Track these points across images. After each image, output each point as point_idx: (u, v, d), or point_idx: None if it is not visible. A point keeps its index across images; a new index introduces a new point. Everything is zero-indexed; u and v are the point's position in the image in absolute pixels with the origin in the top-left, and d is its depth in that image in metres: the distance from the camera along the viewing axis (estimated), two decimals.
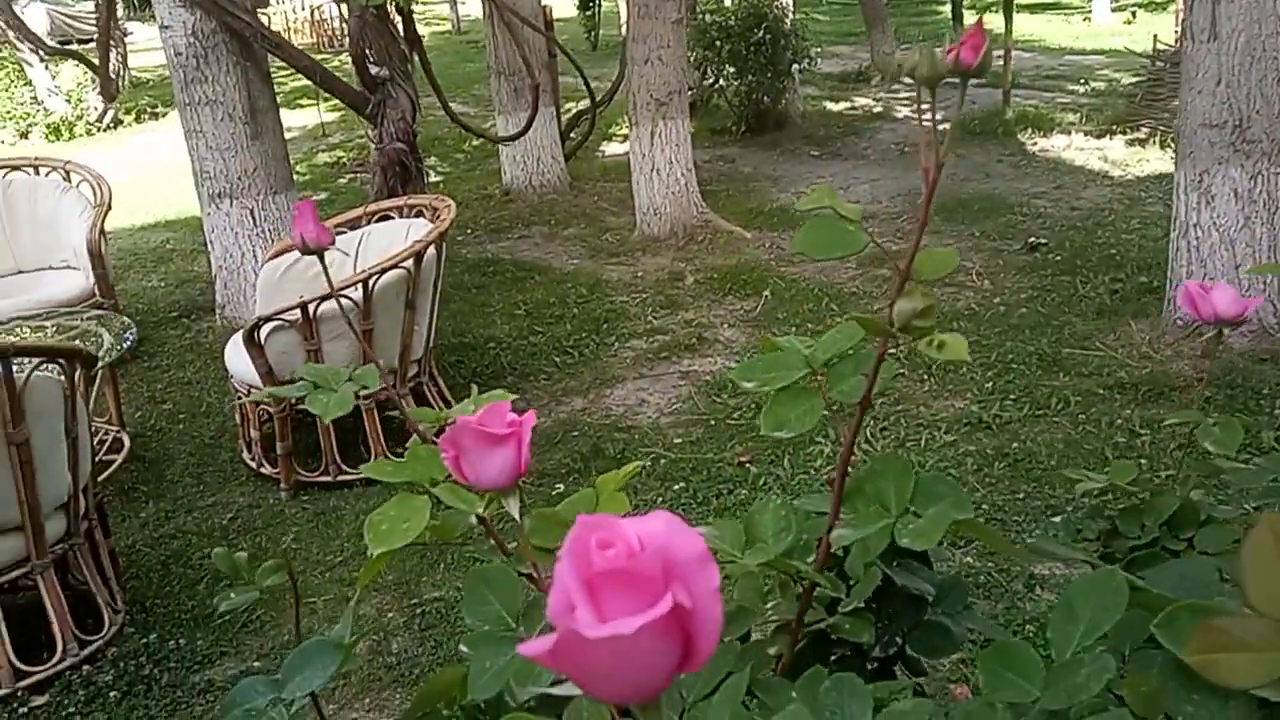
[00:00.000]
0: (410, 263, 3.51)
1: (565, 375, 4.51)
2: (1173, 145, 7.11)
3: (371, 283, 3.43)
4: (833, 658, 1.11)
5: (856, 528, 0.88)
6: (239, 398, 3.84)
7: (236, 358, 3.74)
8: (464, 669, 1.03)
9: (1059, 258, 5.39)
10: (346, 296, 3.44)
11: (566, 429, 4.02)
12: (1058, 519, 2.69)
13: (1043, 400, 3.86)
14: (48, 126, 11.10)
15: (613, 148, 8.63)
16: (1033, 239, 5.63)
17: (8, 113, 11.52)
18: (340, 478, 3.64)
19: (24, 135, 11.12)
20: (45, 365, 2.68)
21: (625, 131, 7.17)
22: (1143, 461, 3.33)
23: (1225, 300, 1.43)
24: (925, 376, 4.13)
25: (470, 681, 0.91)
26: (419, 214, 4.03)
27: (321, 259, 1.06)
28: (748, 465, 3.65)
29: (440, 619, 2.87)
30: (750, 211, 6.51)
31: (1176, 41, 8.88)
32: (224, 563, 0.96)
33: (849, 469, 0.93)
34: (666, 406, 4.19)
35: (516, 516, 0.89)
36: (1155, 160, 7.19)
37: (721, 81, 8.46)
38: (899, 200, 6.57)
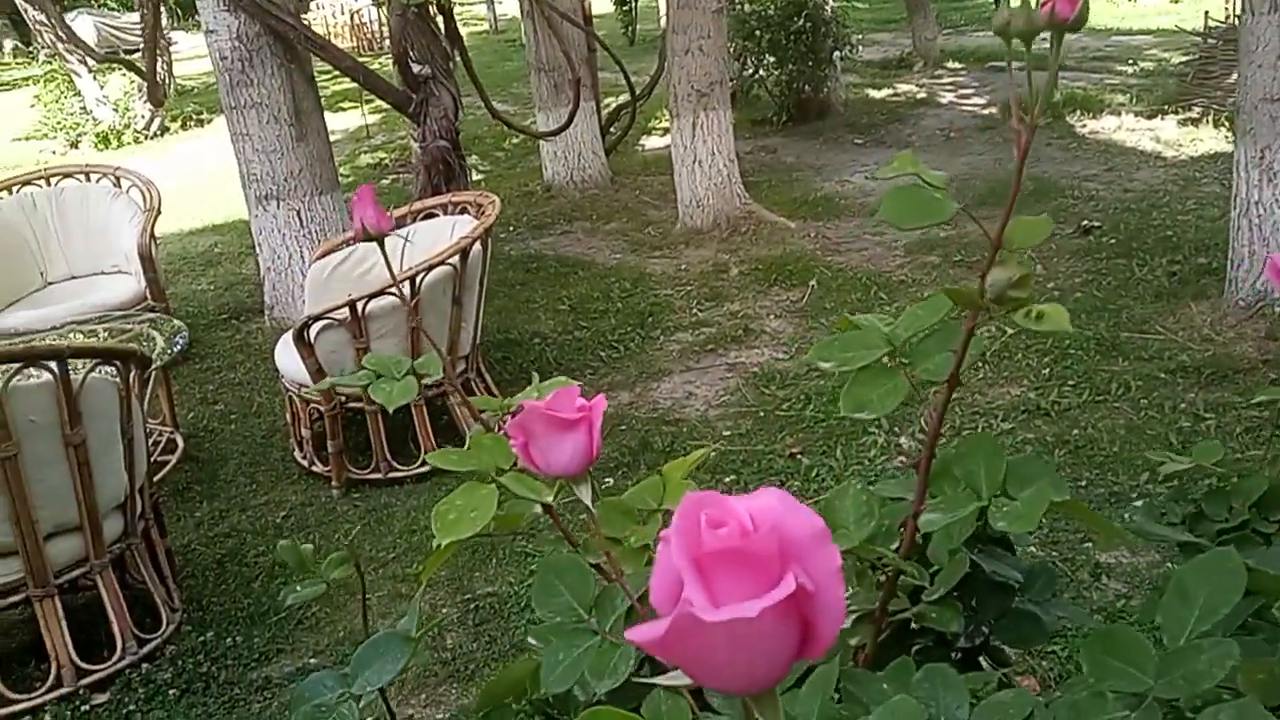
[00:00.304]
0: (456, 259, 3.50)
1: (611, 369, 4.49)
2: (1227, 124, 6.93)
3: (419, 279, 3.42)
4: (914, 649, 1.06)
5: (946, 511, 0.84)
6: (290, 396, 3.85)
7: (286, 357, 3.75)
8: (533, 662, 1.01)
9: (1113, 241, 5.26)
10: (394, 293, 3.44)
11: (614, 423, 3.99)
12: (1139, 503, 2.61)
13: (1102, 386, 3.77)
14: (97, 135, 11.28)
15: (653, 141, 8.60)
16: (1086, 222, 5.50)
17: (58, 123, 11.73)
18: (391, 475, 3.64)
19: (74, 145, 11.31)
20: (101, 367, 2.70)
21: (665, 125, 7.13)
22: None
23: None
24: (980, 364, 4.05)
25: (543, 675, 0.88)
26: (463, 211, 4.02)
27: (382, 246, 1.04)
28: (799, 456, 3.60)
29: (494, 614, 2.86)
30: (794, 201, 6.45)
31: (1229, 18, 8.67)
32: (290, 555, 0.94)
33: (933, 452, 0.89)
34: (714, 399, 4.15)
35: (589, 504, 0.86)
36: (1209, 140, 7.01)
37: (762, 71, 8.38)
38: (948, 185, 6.46)
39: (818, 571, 0.43)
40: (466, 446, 1.03)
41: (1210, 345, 3.98)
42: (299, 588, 0.96)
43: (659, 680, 0.49)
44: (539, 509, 1.05)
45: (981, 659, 1.08)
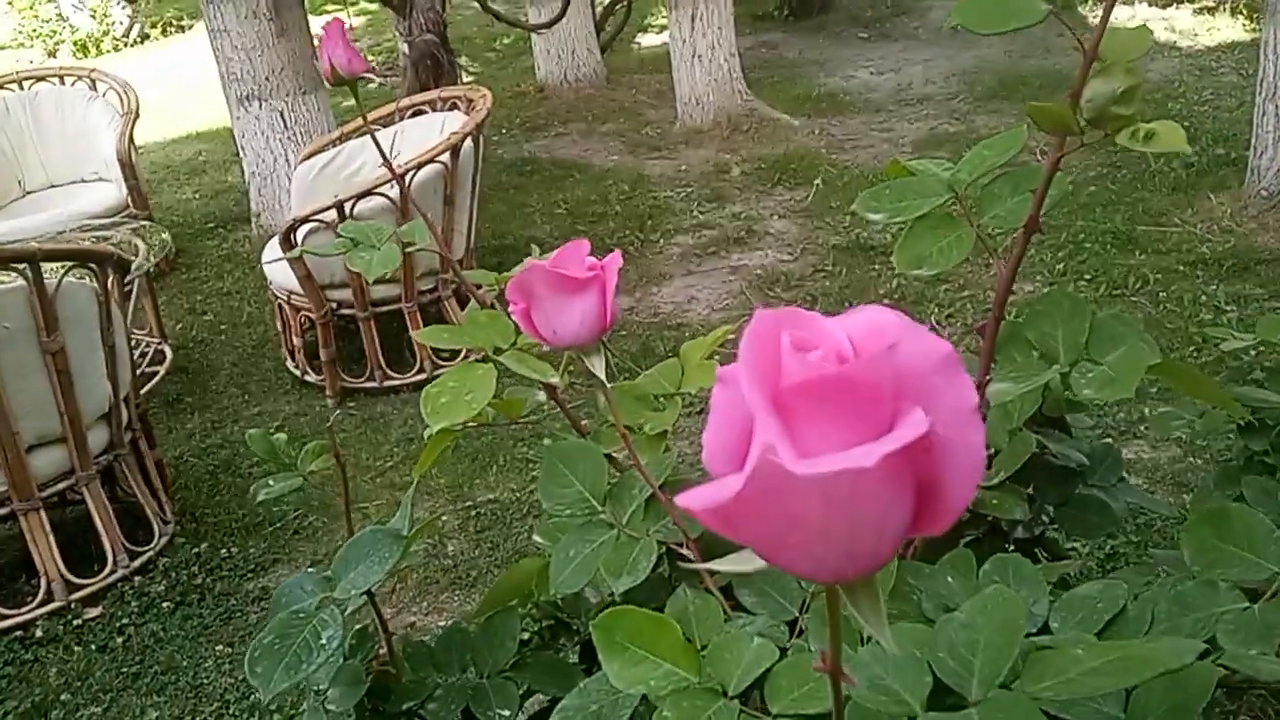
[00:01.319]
0: (447, 157, 3.33)
1: None
2: (1245, 12, 6.66)
3: (409, 178, 3.26)
4: (963, 540, 0.96)
5: (1019, 380, 0.72)
6: (280, 304, 3.72)
7: (274, 264, 3.61)
8: (540, 560, 0.90)
9: (1066, 181, 5.08)
10: (383, 194, 3.28)
11: (614, 329, 3.87)
12: (1159, 401, 2.50)
13: (1119, 280, 3.64)
14: (75, 43, 10.91)
15: (649, 39, 8.30)
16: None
17: (34, 31, 11.33)
18: (386, 383, 3.53)
19: (52, 54, 10.94)
20: (76, 271, 2.57)
21: (661, 21, 6.86)
22: None
23: None
24: (991, 260, 3.91)
25: (553, 574, 0.77)
26: (453, 107, 3.84)
27: (355, 92, 0.90)
28: None
29: (495, 521, 2.78)
30: (797, 98, 6.22)
31: None
32: (260, 445, 0.83)
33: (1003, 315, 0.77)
34: (717, 303, 4.03)
35: (602, 376, 0.73)
36: (1226, 29, 6.76)
37: None
38: (954, 80, 6.23)
39: (946, 412, 0.30)
40: (465, 321, 0.90)
41: (1230, 237, 3.84)
42: (272, 481, 0.84)
43: (716, 565, 0.37)
44: (542, 396, 0.93)
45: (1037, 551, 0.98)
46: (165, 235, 3.92)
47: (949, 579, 0.69)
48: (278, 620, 0.78)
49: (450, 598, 2.48)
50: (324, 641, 0.75)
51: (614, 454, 0.92)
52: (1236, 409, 0.70)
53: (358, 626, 0.89)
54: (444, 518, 2.79)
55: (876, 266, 4.07)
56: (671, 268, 4.37)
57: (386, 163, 1.09)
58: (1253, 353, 1.33)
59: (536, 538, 0.89)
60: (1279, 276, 3.49)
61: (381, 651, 0.88)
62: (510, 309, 0.73)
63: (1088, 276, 3.70)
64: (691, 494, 0.31)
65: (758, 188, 5.05)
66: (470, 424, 0.95)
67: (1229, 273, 3.59)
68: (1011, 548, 0.93)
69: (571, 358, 0.75)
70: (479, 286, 0.97)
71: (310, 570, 0.82)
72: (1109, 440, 2.73)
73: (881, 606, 0.35)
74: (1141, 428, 2.84)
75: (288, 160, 4.77)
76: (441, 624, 2.40)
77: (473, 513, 2.79)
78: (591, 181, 5.35)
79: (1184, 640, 0.49)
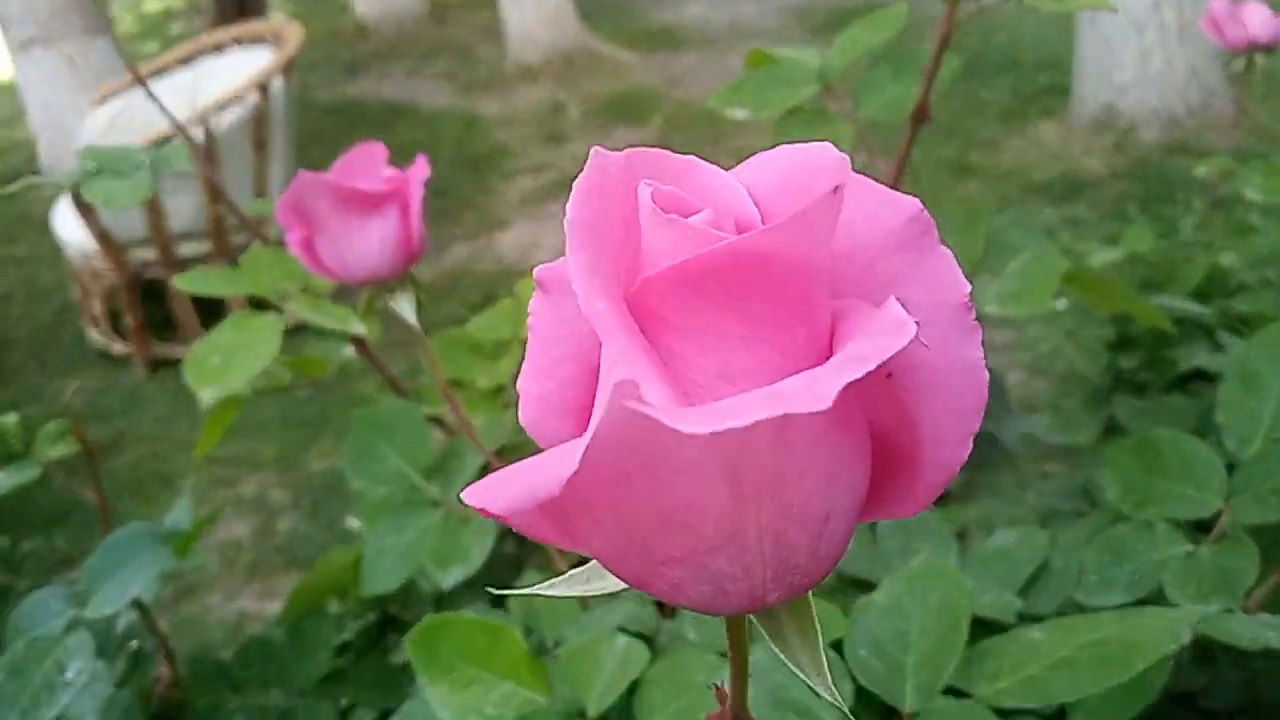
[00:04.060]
0: (255, 96, 3.05)
1: (447, 221, 4.13)
2: None
3: (212, 122, 2.96)
4: None
5: None
6: (76, 270, 3.36)
7: (66, 225, 3.26)
8: (354, 551, 0.75)
9: (956, 63, 5.15)
10: (188, 135, 2.97)
11: (454, 279, 3.69)
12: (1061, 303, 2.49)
13: (953, 208, 3.68)
14: None
15: None
16: (928, 46, 5.37)
17: None
18: None
19: None
20: None
21: None
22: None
23: (1259, 20, 1.17)
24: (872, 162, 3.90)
25: (365, 569, 0.62)
26: (261, 43, 3.52)
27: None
28: None
29: (331, 492, 2.58)
30: (632, 34, 6.07)
31: None
32: None
33: None
34: (561, 248, 3.88)
35: (411, 318, 0.58)
36: None
37: None
38: (788, 13, 6.21)
39: (920, 311, 0.17)
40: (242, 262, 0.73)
41: (1059, 162, 3.93)
42: (2, 474, 0.66)
43: (549, 588, 0.24)
44: (350, 350, 0.77)
45: None
46: None
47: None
48: (11, 653, 0.60)
49: (285, 579, 2.28)
50: (70, 676, 0.58)
51: (442, 418, 0.78)
52: (1159, 318, 0.62)
53: (132, 645, 0.72)
54: (273, 492, 2.58)
55: None
56: (512, 213, 4.19)
57: (163, 108, 0.90)
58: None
59: (352, 521, 0.74)
60: (1107, 199, 3.58)
61: (165, 673, 0.72)
62: (287, 239, 0.57)
63: (926, 206, 3.73)
64: (489, 487, 0.17)
65: (597, 126, 4.89)
66: (264, 392, 0.79)
67: (1060, 197, 3.67)
68: None
69: (373, 296, 0.60)
70: (263, 222, 0.80)
71: (56, 585, 0.65)
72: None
73: (818, 638, 0.22)
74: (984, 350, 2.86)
75: (79, 110, 4.32)
76: (275, 608, 2.21)
77: (306, 486, 2.58)
78: (421, 124, 5.08)
79: (1170, 613, 0.39)
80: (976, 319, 0.19)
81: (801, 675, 0.22)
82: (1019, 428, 0.83)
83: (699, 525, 0.18)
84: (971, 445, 0.19)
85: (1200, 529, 0.52)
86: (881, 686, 0.39)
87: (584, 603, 0.59)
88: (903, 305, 0.17)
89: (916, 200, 0.19)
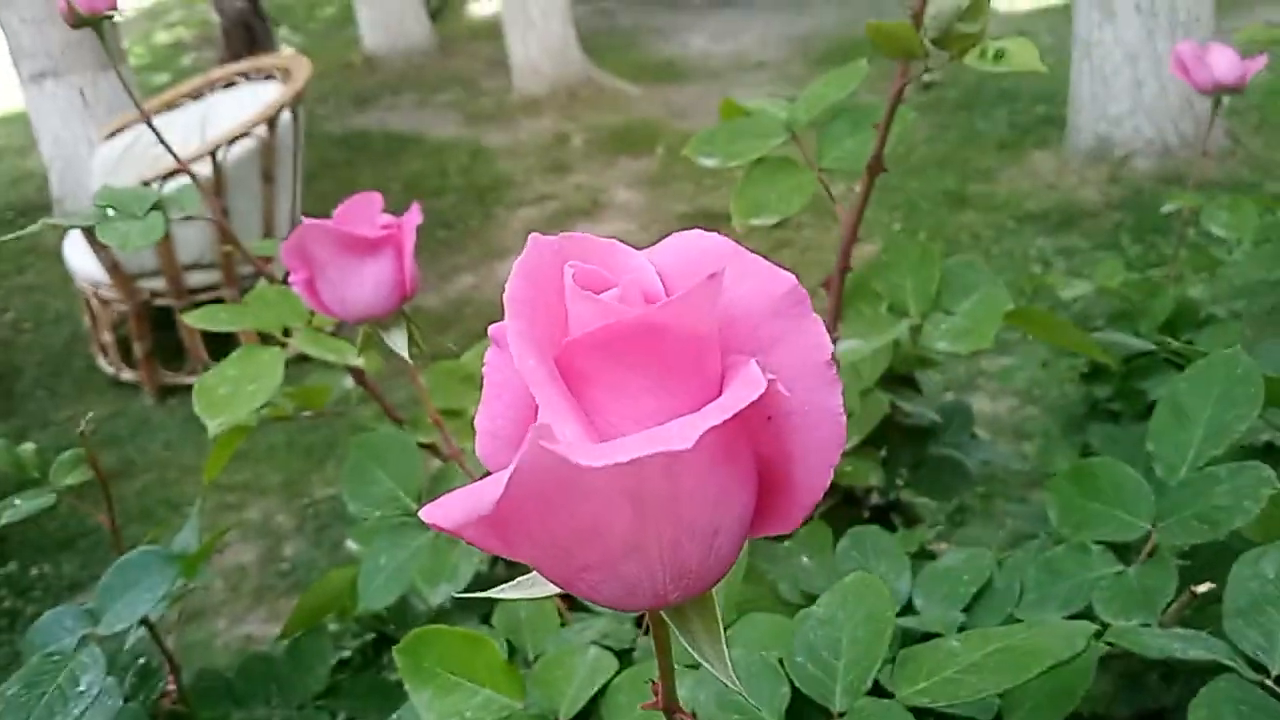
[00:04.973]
0: (263, 129, 3.11)
1: (451, 251, 4.19)
2: None
3: (220, 155, 3.03)
4: (816, 511, 0.90)
5: (868, 337, 0.66)
6: (86, 299, 3.42)
7: (77, 254, 3.32)
8: (351, 571, 0.79)
9: (954, 95, 5.21)
10: (192, 173, 3.03)
11: (458, 307, 3.74)
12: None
13: (952, 236, 3.73)
14: None
15: (481, 6, 8.08)
16: (926, 77, 5.42)
17: None
18: None
19: None
20: None
21: None
22: None
23: (1225, 64, 1.22)
24: (831, 223, 3.95)
25: (360, 588, 0.66)
26: (270, 77, 3.59)
27: (100, 32, 0.76)
28: None
29: (336, 517, 2.62)
30: (635, 66, 6.15)
31: None
32: (2, 459, 0.69)
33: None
34: None
35: (404, 353, 0.63)
36: None
37: None
38: (788, 46, 6.29)
39: (791, 366, 0.22)
40: (249, 299, 0.78)
41: (1054, 192, 3.98)
42: (18, 500, 0.71)
43: (498, 592, 0.28)
44: (350, 382, 0.82)
45: (893, 517, 0.93)
46: None
47: (804, 558, 0.63)
48: (27, 667, 0.65)
49: (290, 604, 2.32)
50: (82, 688, 0.62)
51: (436, 445, 0.82)
52: (1097, 352, 0.66)
53: (140, 662, 0.76)
54: (279, 517, 2.62)
55: (723, 233, 4.06)
56: (515, 242, 4.25)
57: (167, 147, 0.95)
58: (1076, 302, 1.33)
59: (350, 544, 0.78)
60: (1101, 229, 3.63)
61: (171, 689, 0.76)
62: (291, 279, 0.62)
63: (923, 235, 3.77)
64: (439, 506, 0.21)
65: (600, 157, 4.96)
66: (269, 420, 0.83)
67: (1055, 227, 3.72)
68: (867, 515, 0.87)
69: (369, 333, 0.65)
70: (269, 260, 0.85)
71: (69, 605, 0.69)
72: (953, 396, 2.77)
73: (720, 632, 0.26)
74: (980, 380, 2.90)
75: (90, 142, 4.40)
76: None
77: (310, 511, 2.63)
78: (427, 155, 5.16)
79: (1070, 624, 0.44)
80: (837, 374, 0.23)
81: (705, 664, 0.26)
82: (983, 455, 0.87)
83: (608, 538, 0.22)
84: (831, 477, 0.23)
85: (1133, 550, 0.56)
86: (815, 689, 0.43)
87: (564, 618, 0.63)
88: (780, 363, 0.22)
89: (792, 277, 0.24)
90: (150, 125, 0.88)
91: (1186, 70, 1.23)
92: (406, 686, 0.49)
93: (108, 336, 3.37)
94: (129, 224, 0.74)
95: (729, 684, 0.25)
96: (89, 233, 3.07)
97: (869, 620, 0.43)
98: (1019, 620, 0.55)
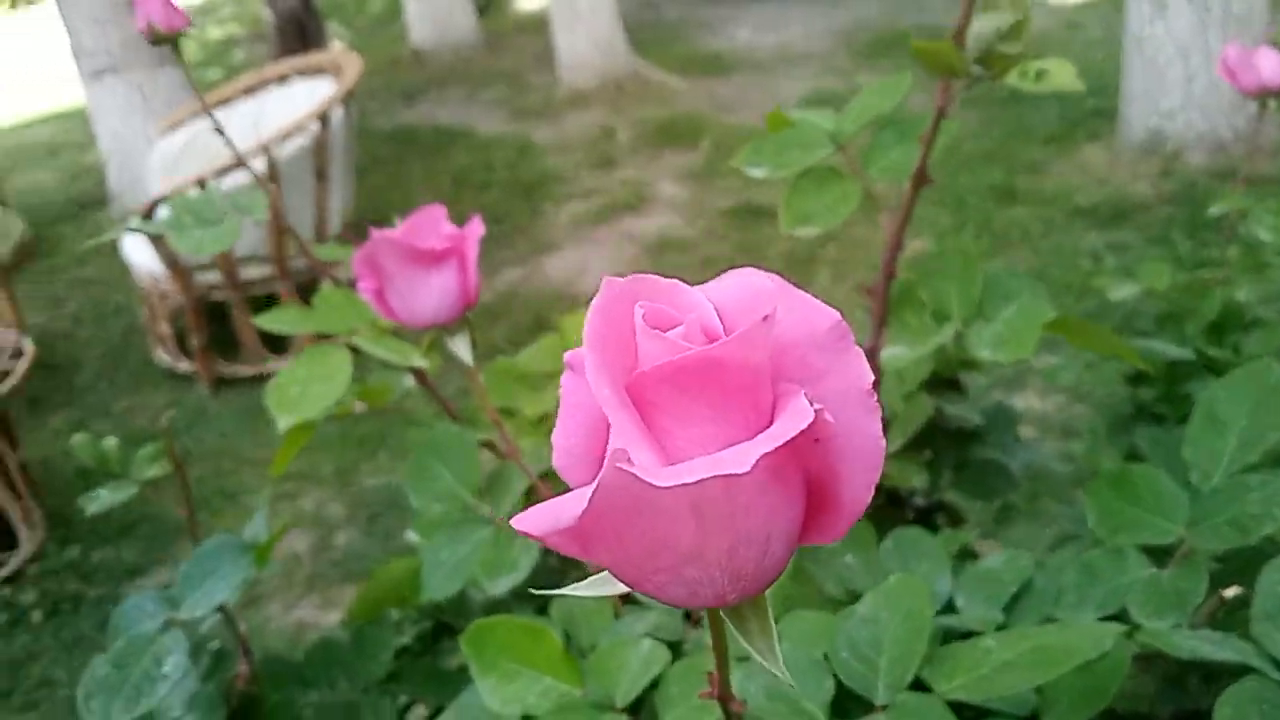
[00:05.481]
0: (316, 126, 3.18)
1: (498, 245, 4.24)
2: None
3: (274, 151, 3.10)
4: None
5: (913, 344, 0.68)
6: (144, 292, 3.52)
7: (136, 249, 3.41)
8: (414, 561, 0.83)
9: (1003, 88, 5.17)
10: (252, 168, 3.11)
11: (505, 301, 3.79)
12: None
13: (1002, 232, 3.71)
14: None
15: (527, 1, 8.13)
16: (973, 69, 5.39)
17: None
18: (265, 369, 3.37)
19: None
20: None
21: None
22: None
23: (1270, 66, 1.22)
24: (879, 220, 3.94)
25: (424, 578, 0.70)
26: (322, 74, 3.66)
27: (176, 48, 0.80)
28: None
29: (388, 507, 2.68)
30: (681, 59, 6.16)
31: None
32: (87, 452, 0.74)
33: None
34: (611, 270, 3.97)
35: (467, 358, 0.66)
36: None
37: None
38: (833, 38, 6.26)
39: (835, 394, 0.25)
40: (316, 301, 0.82)
41: (1105, 186, 3.94)
42: (103, 491, 0.75)
43: (573, 589, 0.31)
44: (410, 380, 0.86)
45: (937, 518, 0.95)
46: (21, 222, 3.69)
47: (848, 557, 0.65)
48: (114, 649, 0.69)
49: (342, 592, 2.38)
50: (167, 670, 0.67)
51: (493, 442, 0.86)
52: (1137, 360, 0.68)
53: (214, 645, 0.81)
54: (331, 506, 2.68)
55: (768, 229, 4.07)
56: (562, 236, 4.28)
57: (229, 143, 1.00)
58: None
59: (410, 534, 0.82)
60: (1152, 223, 3.59)
61: (243, 670, 0.80)
62: (360, 287, 0.66)
63: (972, 231, 3.75)
64: (528, 516, 0.24)
65: (646, 151, 4.98)
66: (339, 416, 0.87)
67: (1106, 221, 3.68)
68: (911, 516, 0.89)
69: (434, 339, 0.68)
70: (333, 265, 0.89)
71: (152, 590, 0.73)
72: (1000, 396, 2.77)
73: (772, 629, 0.29)
74: (1028, 377, 2.89)
75: (147, 138, 4.51)
76: (332, 619, 2.31)
77: (362, 501, 2.69)
78: (475, 149, 5.21)
79: (1100, 625, 0.46)
80: (877, 401, 0.26)
81: (758, 658, 0.29)
82: (1026, 457, 0.89)
83: (675, 547, 0.25)
84: (874, 491, 0.26)
85: (1167, 554, 0.58)
86: (859, 683, 0.46)
87: (617, 611, 0.67)
88: (825, 391, 0.25)
89: (836, 313, 0.26)
90: (213, 121, 0.92)
91: (1233, 74, 1.23)
92: (473, 673, 0.52)
93: (165, 329, 3.46)
94: (203, 230, 0.78)
95: (780, 676, 0.28)
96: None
97: (908, 619, 0.46)
98: (1056, 621, 0.57)
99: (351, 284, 0.90)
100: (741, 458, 0.23)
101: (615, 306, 0.25)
